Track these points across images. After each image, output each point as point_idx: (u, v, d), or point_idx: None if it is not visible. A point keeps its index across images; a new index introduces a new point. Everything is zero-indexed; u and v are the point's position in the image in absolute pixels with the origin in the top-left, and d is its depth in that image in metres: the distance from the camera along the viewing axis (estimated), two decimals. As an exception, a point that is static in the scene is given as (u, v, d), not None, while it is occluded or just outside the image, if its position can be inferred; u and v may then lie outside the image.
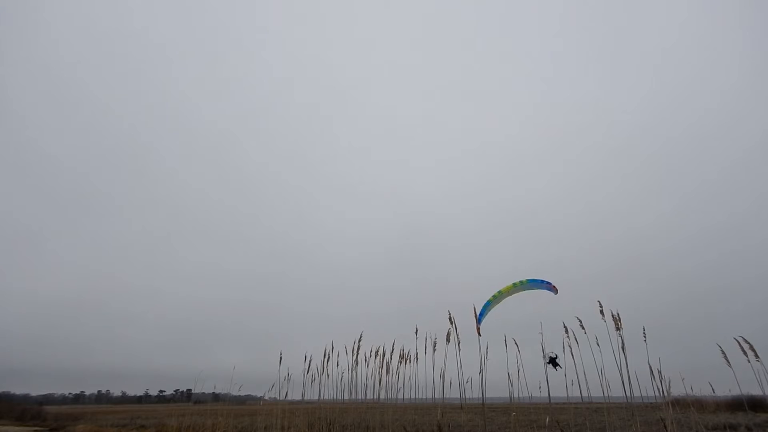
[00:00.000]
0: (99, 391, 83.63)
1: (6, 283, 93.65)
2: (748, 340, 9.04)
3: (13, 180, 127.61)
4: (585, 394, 10.96)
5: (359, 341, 13.55)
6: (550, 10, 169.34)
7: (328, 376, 14.35)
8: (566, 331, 10.88)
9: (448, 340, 11.77)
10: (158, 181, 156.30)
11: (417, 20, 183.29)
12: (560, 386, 11.29)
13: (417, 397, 14.57)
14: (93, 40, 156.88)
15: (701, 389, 12.29)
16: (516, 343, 11.92)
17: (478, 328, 13.37)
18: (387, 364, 13.58)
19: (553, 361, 12.09)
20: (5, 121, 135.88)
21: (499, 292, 13.55)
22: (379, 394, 13.79)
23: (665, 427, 9.72)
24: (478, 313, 13.21)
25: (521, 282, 13.33)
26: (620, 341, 9.85)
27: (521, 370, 11.87)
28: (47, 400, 65.83)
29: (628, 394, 9.85)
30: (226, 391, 16.73)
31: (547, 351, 11.96)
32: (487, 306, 13.65)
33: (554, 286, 12.68)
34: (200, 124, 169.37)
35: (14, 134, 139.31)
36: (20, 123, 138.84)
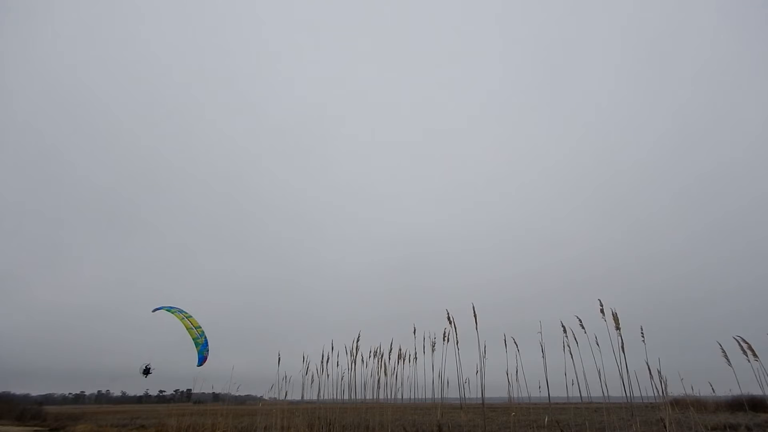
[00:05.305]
0: (99, 391, 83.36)
1: (28, 293, 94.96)
2: (747, 340, 9.03)
3: (47, 196, 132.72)
4: (585, 394, 10.95)
5: (357, 341, 13.59)
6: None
7: (327, 376, 14.38)
8: (564, 331, 10.88)
9: (447, 339, 11.75)
10: (177, 194, 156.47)
11: (424, 39, 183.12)
12: (560, 386, 11.29)
13: (416, 397, 14.57)
14: (113, 67, 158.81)
15: (701, 389, 12.27)
16: (515, 343, 11.91)
17: (203, 359, 14.74)
18: (385, 364, 13.61)
19: (146, 370, 14.21)
20: (35, 141, 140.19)
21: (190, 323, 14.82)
22: (378, 394, 13.80)
23: (665, 427, 9.72)
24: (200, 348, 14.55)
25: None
26: (620, 341, 9.85)
27: (520, 370, 11.86)
28: (47, 400, 65.70)
29: (628, 394, 9.85)
30: (225, 391, 16.77)
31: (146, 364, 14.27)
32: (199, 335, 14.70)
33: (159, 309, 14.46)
34: (206, 129, 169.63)
35: (45, 152, 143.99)
36: (42, 138, 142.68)
